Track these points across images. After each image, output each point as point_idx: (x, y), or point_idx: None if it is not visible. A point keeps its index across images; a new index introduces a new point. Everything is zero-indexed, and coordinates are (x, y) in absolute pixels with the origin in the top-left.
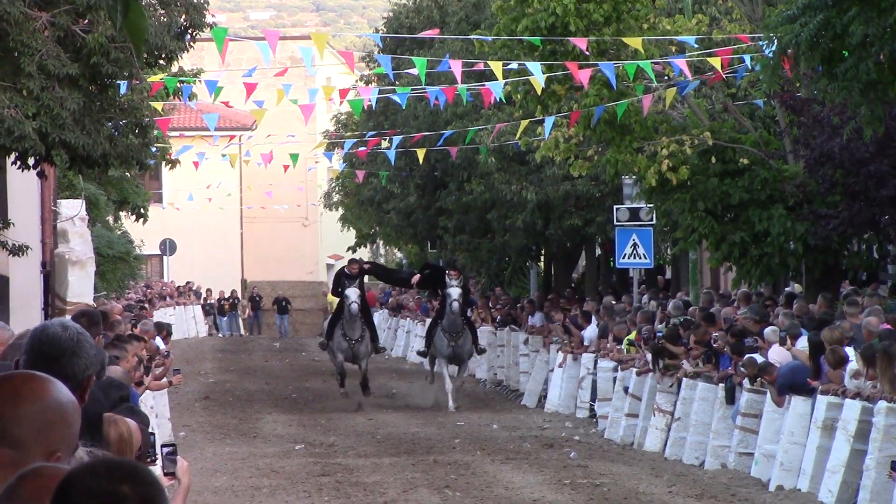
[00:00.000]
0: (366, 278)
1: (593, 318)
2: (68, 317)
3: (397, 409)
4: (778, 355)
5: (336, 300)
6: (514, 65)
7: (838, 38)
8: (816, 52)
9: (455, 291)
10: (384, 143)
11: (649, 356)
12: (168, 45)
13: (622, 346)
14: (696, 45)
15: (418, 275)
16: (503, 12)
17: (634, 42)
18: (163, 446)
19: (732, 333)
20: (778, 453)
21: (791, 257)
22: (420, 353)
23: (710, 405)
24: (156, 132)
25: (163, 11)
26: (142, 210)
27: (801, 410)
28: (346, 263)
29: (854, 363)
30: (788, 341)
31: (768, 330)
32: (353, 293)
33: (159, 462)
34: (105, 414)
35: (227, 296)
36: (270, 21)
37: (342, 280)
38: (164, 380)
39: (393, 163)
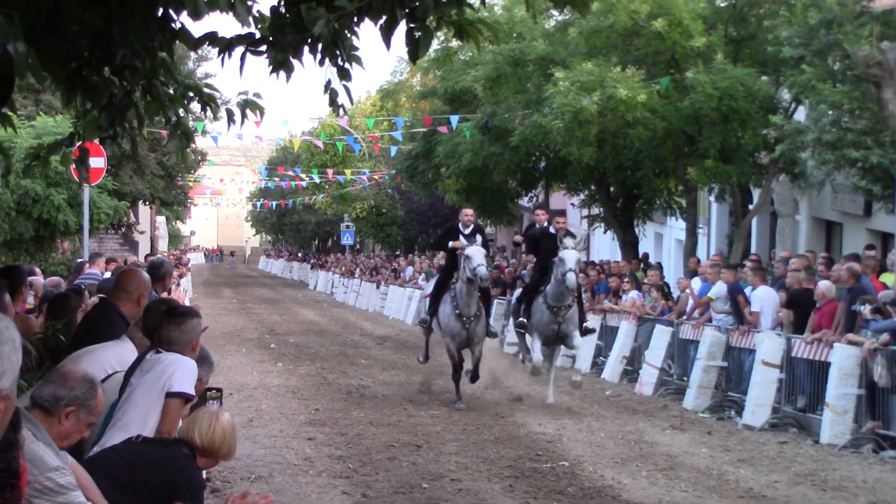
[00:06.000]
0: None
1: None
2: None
3: (273, 305)
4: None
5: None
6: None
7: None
8: (417, 178)
9: (570, 257)
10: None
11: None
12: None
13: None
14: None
15: (519, 237)
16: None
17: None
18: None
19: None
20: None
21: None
22: (517, 326)
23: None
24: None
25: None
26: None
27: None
28: (461, 214)
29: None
30: None
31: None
32: (478, 254)
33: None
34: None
35: (210, 250)
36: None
37: (452, 234)
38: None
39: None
